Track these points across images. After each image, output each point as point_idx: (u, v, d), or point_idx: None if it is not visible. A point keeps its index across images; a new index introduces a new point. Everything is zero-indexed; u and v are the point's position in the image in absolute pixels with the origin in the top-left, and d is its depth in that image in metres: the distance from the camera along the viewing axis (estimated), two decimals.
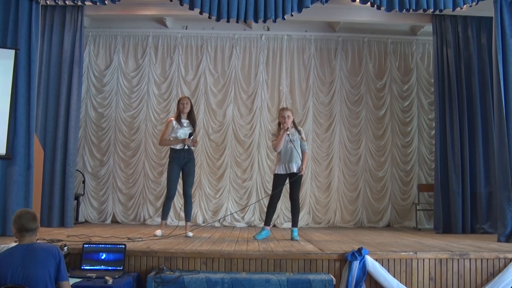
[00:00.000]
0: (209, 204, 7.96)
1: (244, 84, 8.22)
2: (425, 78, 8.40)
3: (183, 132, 5.70)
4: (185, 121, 5.78)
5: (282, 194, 5.87)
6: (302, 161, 5.50)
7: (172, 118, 5.85)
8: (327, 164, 8.19)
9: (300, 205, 5.74)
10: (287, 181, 5.54)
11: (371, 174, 8.19)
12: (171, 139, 5.75)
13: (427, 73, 8.40)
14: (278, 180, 5.55)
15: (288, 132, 5.47)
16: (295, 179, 5.47)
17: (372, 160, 8.21)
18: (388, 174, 8.19)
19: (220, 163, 8.06)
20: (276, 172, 5.58)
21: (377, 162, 8.21)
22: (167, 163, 5.83)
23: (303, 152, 5.56)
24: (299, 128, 5.70)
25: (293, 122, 5.64)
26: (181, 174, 5.79)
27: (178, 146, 5.67)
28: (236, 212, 7.80)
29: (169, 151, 5.87)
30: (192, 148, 5.78)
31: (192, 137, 5.66)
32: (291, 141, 5.49)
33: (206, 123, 8.11)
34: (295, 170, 5.47)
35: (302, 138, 5.58)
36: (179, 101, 5.83)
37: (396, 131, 8.28)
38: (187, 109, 5.77)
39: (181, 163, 5.70)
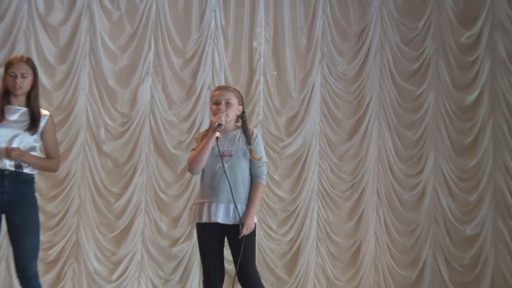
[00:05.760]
0: None
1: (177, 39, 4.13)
2: None
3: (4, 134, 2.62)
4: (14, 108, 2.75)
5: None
6: (249, 201, 2.57)
7: None
8: (352, 206, 4.00)
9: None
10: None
11: None
12: None
13: None
14: (202, 238, 2.61)
15: (217, 135, 2.57)
16: (239, 239, 2.52)
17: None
18: None
19: None
20: (192, 219, 2.65)
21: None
22: None
23: (254, 180, 2.61)
24: (252, 129, 2.82)
25: (242, 118, 2.76)
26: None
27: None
28: None
29: None
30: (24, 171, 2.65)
31: None
32: (224, 154, 2.59)
33: None
34: (220, 220, 2.51)
35: (251, 150, 2.64)
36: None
37: None
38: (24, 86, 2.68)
39: None
